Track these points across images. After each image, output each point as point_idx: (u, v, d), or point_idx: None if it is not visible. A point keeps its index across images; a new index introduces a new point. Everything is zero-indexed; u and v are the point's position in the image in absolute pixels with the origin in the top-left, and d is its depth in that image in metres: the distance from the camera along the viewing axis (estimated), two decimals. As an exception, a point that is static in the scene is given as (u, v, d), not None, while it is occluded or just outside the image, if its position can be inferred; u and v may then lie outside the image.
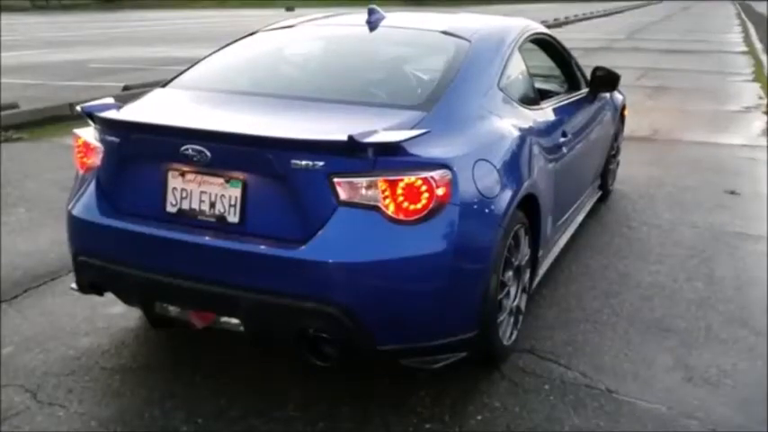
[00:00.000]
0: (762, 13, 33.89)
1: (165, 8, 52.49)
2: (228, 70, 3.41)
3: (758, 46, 17.59)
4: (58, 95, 9.39)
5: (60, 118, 8.26)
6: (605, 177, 5.06)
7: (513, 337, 2.99)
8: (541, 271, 3.43)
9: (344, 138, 2.27)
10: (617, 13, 37.21)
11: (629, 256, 4.16)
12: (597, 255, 4.19)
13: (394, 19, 3.66)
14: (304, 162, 2.34)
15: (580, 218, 4.37)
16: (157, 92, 3.19)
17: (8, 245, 4.29)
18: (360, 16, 3.65)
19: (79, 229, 2.81)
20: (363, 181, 2.35)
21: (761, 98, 9.82)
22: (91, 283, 2.87)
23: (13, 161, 6.34)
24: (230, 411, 2.62)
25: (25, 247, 4.27)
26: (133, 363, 2.97)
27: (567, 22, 28.31)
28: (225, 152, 2.45)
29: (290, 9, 47.98)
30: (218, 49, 3.54)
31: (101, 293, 2.97)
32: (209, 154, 2.43)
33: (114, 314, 3.37)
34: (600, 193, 5.00)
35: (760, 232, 4.56)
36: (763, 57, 14.96)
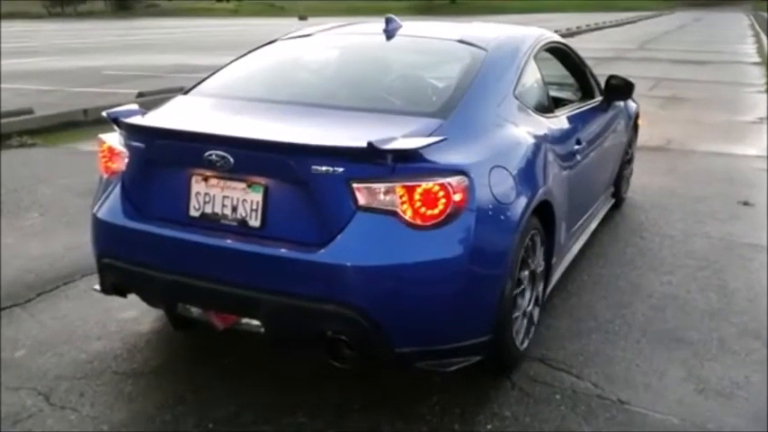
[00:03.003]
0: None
1: (179, 17, 52.96)
2: (249, 78, 3.44)
3: (772, 57, 17.52)
4: (72, 101, 9.48)
5: (74, 124, 8.34)
6: (618, 185, 5.06)
7: (526, 343, 3.01)
8: (555, 278, 3.44)
9: (364, 144, 2.32)
10: (629, 23, 37.16)
11: (642, 267, 4.14)
12: (609, 264, 4.17)
13: (410, 28, 3.73)
14: (324, 168, 2.38)
15: (593, 225, 4.39)
16: (179, 99, 3.27)
17: (22, 249, 4.33)
18: (377, 25, 3.71)
19: (104, 232, 2.86)
20: (382, 186, 2.38)
21: (775, 109, 9.78)
22: (114, 285, 2.92)
23: (27, 166, 6.40)
24: (241, 417, 2.63)
25: (39, 251, 4.30)
26: (145, 367, 2.98)
27: (578, 32, 28.29)
28: (247, 158, 2.49)
29: (303, 18, 48.32)
30: (238, 58, 3.58)
31: (123, 295, 3.01)
32: (231, 160, 2.48)
33: (127, 318, 3.39)
34: (613, 201, 5.01)
35: (774, 244, 4.53)
36: (776, 68, 14.90)
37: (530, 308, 3.02)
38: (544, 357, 3.07)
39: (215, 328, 2.74)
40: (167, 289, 2.71)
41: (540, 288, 3.13)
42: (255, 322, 2.62)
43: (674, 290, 3.81)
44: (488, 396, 2.78)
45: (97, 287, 2.98)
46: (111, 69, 14.33)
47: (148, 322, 3.36)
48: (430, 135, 2.53)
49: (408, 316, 2.46)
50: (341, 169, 2.37)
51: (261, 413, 2.65)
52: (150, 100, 9.54)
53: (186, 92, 3.32)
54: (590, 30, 30.64)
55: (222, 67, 3.50)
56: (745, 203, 5.34)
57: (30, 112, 8.27)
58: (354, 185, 2.38)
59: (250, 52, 3.66)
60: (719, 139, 7.77)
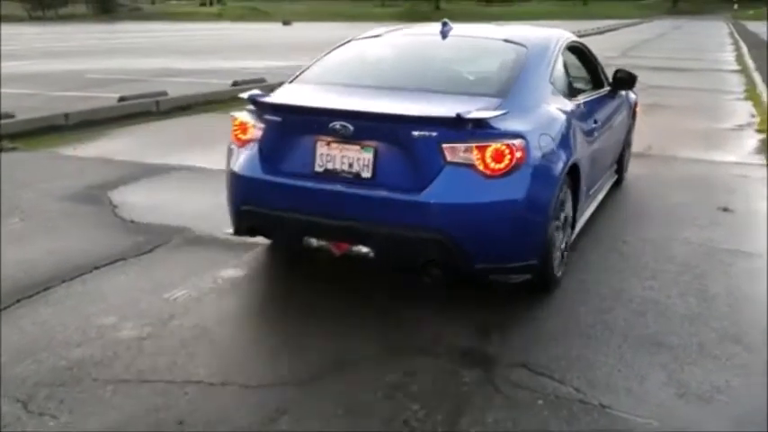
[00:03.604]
0: (755, 32, 34.22)
1: (162, 20, 52.64)
2: (339, 69, 4.30)
3: (751, 65, 17.73)
4: (54, 105, 9.39)
5: (55, 128, 8.27)
6: (621, 164, 5.91)
7: (560, 273, 3.86)
8: (577, 228, 4.24)
9: (453, 115, 3.19)
10: (610, 30, 37.50)
11: (623, 271, 4.17)
12: (591, 270, 4.20)
13: (460, 30, 4.57)
14: (422, 133, 3.25)
15: (600, 196, 5.10)
16: (287, 86, 4.10)
17: (2, 254, 4.27)
18: (431, 28, 4.64)
19: (243, 186, 3.69)
20: (463, 146, 3.24)
21: (753, 116, 9.89)
22: (249, 227, 3.78)
23: (8, 170, 6.33)
24: (219, 425, 2.61)
25: (19, 256, 4.25)
26: (125, 374, 2.95)
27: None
28: (362, 126, 3.34)
29: (287, 23, 48.32)
30: (324, 55, 4.46)
31: (255, 236, 3.93)
32: (351, 128, 3.32)
33: (107, 324, 3.36)
34: (616, 177, 5.82)
35: (753, 249, 4.58)
36: (755, 75, 15.08)
37: (562, 246, 3.86)
38: (527, 362, 3.08)
39: (332, 254, 3.54)
40: (296, 226, 3.55)
41: (569, 232, 3.98)
42: (365, 249, 3.43)
43: (654, 295, 3.84)
44: (471, 401, 2.79)
45: (229, 231, 3.87)
46: (94, 73, 14.21)
47: (128, 328, 3.33)
48: (495, 109, 3.37)
49: (483, 241, 3.33)
50: (434, 134, 3.24)
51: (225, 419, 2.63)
52: (135, 103, 9.53)
53: (291, 81, 4.15)
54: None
55: (313, 63, 4.35)
56: (725, 209, 5.39)
57: (11, 116, 8.18)
58: (444, 146, 3.24)
59: (332, 50, 4.51)
60: (700, 146, 7.86)
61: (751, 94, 12.30)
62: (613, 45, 25.70)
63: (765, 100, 11.22)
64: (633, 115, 6.19)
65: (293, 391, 2.84)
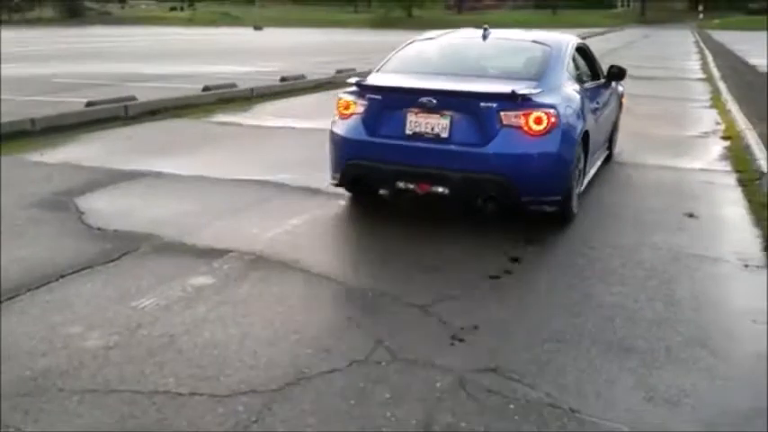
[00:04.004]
0: (720, 42, 34.95)
1: (132, 25, 52.09)
2: (412, 62, 5.67)
3: (716, 73, 18.10)
4: (21, 111, 9.21)
5: (22, 133, 8.11)
6: (611, 143, 7.24)
7: (575, 210, 5.22)
8: (585, 182, 5.57)
9: (509, 91, 4.60)
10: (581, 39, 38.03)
11: (592, 277, 4.22)
12: (561, 275, 4.25)
13: (497, 34, 5.95)
14: (486, 104, 4.63)
15: (598, 164, 6.43)
16: (374, 74, 5.38)
17: (-36, 262, 4.17)
18: (472, 32, 6.04)
19: (349, 145, 4.99)
20: (514, 114, 4.62)
21: (718, 124, 10.10)
22: (354, 177, 5.07)
23: (-29, 176, 6.19)
24: (192, 433, 2.58)
25: (-18, 264, 4.15)
26: (91, 384, 2.90)
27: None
28: (443, 101, 4.69)
29: (258, 28, 48.13)
30: (395, 52, 5.76)
31: (356, 185, 5.22)
32: (435, 101, 4.67)
33: (73, 334, 3.31)
34: (607, 153, 7.12)
35: (717, 254, 4.67)
36: (720, 84, 15.40)
37: (577, 191, 5.23)
38: (498, 367, 3.10)
39: (417, 193, 4.87)
40: (391, 174, 4.86)
41: (581, 181, 5.38)
42: (441, 189, 4.74)
43: (623, 300, 3.89)
44: (442, 406, 2.79)
45: (334, 181, 5.15)
46: (62, 77, 13.99)
47: (95, 338, 3.28)
48: (534, 89, 4.74)
49: (527, 181, 4.66)
50: (494, 105, 4.63)
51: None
52: (103, 108, 9.40)
53: (377, 70, 5.49)
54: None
55: (389, 58, 5.66)
56: (691, 215, 5.49)
57: (-25, 120, 8.01)
58: (501, 113, 4.61)
59: (400, 49, 5.82)
60: (667, 153, 7.99)
61: (716, 102, 12.56)
62: (583, 53, 25.92)
63: (730, 108, 11.46)
64: (620, 104, 7.66)
65: (264, 398, 2.82)
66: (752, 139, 8.38)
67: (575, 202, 5.18)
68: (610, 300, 3.88)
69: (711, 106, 12.08)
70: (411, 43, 5.94)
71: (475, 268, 4.27)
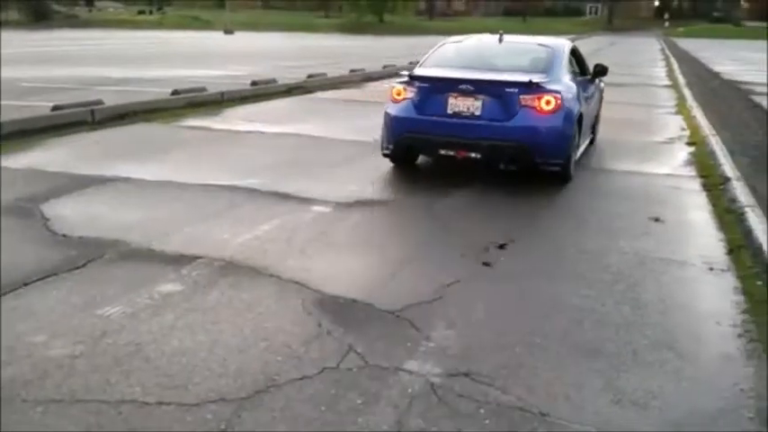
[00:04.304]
0: (686, 49, 35.66)
1: (100, 28, 51.40)
2: (446, 59, 7.14)
3: (681, 80, 18.45)
4: (-16, 114, 8.99)
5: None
6: (594, 129, 8.67)
7: (572, 173, 6.69)
8: (579, 152, 7.09)
9: (527, 80, 6.04)
10: (550, 45, 38.42)
11: (561, 280, 4.26)
12: (531, 278, 4.28)
13: (508, 38, 7.43)
14: (510, 90, 6.07)
15: (586, 142, 7.86)
16: (419, 68, 6.81)
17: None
18: (491, 36, 7.58)
19: (402, 123, 6.41)
20: (530, 97, 6.05)
21: (683, 130, 10.29)
22: (405, 146, 6.57)
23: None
24: (159, 442, 2.54)
25: (-58, 272, 4.04)
26: (56, 393, 2.84)
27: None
28: (477, 87, 6.13)
29: (228, 32, 47.84)
30: (432, 51, 7.27)
31: (407, 154, 6.79)
32: (471, 88, 6.12)
33: (37, 343, 3.24)
34: (592, 136, 8.51)
35: (683, 258, 4.74)
36: (685, 90, 15.70)
37: (574, 158, 6.68)
38: (469, 372, 3.11)
39: (456, 159, 6.32)
40: (435, 144, 6.34)
41: (576, 151, 6.81)
42: (474, 154, 6.19)
43: (591, 303, 3.93)
44: (413, 411, 2.79)
45: (387, 151, 6.66)
46: (29, 81, 13.72)
47: (59, 346, 3.21)
48: (543, 79, 6.21)
49: (540, 147, 6.10)
50: (516, 90, 6.08)
51: None
52: (69, 113, 9.24)
53: (420, 65, 6.97)
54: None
55: (428, 55, 7.19)
56: (657, 220, 5.58)
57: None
58: (520, 96, 6.05)
59: (436, 49, 7.35)
60: (633, 159, 8.11)
61: (681, 108, 12.80)
62: (552, 59, 26.21)
63: (695, 114, 11.68)
64: (601, 97, 9.11)
65: (233, 407, 2.79)
66: (716, 144, 8.55)
67: (572, 167, 6.67)
68: (578, 303, 3.92)
69: (677, 112, 12.32)
70: (443, 45, 7.57)
71: (447, 273, 4.29)
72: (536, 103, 6.10)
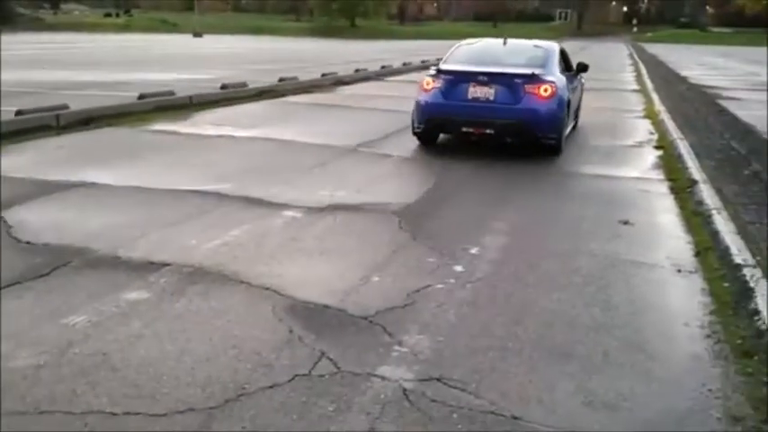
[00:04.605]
0: (653, 54, 36.25)
1: (65, 31, 50.58)
2: (463, 58, 8.69)
3: (649, 85, 18.75)
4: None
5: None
6: (577, 117, 10.27)
7: (563, 146, 8.30)
8: (566, 131, 8.57)
9: (530, 72, 7.82)
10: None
11: (533, 284, 4.28)
12: (503, 282, 4.28)
13: (511, 41, 9.09)
14: (517, 80, 7.80)
15: (572, 124, 9.49)
16: (443, 64, 8.39)
17: None
18: (497, 40, 9.30)
19: (430, 107, 8.07)
20: (532, 86, 7.75)
21: (651, 134, 10.44)
22: (434, 125, 8.27)
23: None
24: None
25: None
26: (20, 405, 2.76)
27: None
28: (491, 78, 7.83)
29: (197, 35, 47.48)
30: (451, 51, 8.90)
31: (433, 132, 8.51)
32: (486, 79, 7.84)
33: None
34: (575, 122, 10.12)
35: (652, 260, 4.80)
36: (653, 95, 15.95)
37: (564, 135, 8.30)
38: (441, 376, 3.10)
39: (473, 136, 8.08)
40: (458, 123, 8.00)
41: (565, 130, 8.37)
42: (489, 131, 7.85)
43: (562, 306, 3.95)
44: (385, 416, 2.77)
45: (417, 130, 8.31)
46: (-10, 85, 13.40)
47: (24, 357, 3.13)
48: (542, 72, 7.92)
49: (540, 125, 7.77)
50: (521, 80, 7.79)
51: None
52: (33, 117, 9.04)
53: (444, 62, 8.56)
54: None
55: (450, 54, 8.81)
56: (626, 223, 5.64)
57: None
58: (525, 85, 7.74)
59: (454, 50, 8.99)
60: (603, 163, 8.21)
61: (649, 112, 12.99)
62: (521, 64, 26.44)
63: (663, 118, 11.87)
64: (582, 90, 10.80)
65: (202, 417, 2.74)
66: (683, 148, 8.69)
67: (563, 142, 8.37)
68: (550, 306, 3.94)
69: (645, 116, 12.50)
70: (459, 47, 9.27)
71: (419, 278, 4.28)
72: (537, 91, 7.74)
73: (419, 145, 8.63)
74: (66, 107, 9.77)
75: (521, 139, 7.97)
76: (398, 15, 79.04)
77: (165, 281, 4.09)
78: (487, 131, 7.85)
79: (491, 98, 7.77)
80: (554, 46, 9.07)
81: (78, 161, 7.31)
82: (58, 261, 4.33)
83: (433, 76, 8.16)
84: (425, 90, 8.14)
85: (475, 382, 3.07)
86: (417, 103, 8.26)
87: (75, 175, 6.53)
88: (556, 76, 8.10)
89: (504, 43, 9.03)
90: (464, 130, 8.03)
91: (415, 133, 8.46)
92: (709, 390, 3.10)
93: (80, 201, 5.84)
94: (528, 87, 7.70)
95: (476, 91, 7.83)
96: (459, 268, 4.48)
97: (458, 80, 7.97)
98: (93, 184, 6.28)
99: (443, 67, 8.31)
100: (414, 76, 19.87)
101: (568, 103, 8.37)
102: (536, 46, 9.11)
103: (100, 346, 3.27)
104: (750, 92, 15.87)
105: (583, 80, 10.54)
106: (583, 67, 9.78)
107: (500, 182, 7.10)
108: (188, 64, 21.38)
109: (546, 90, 7.71)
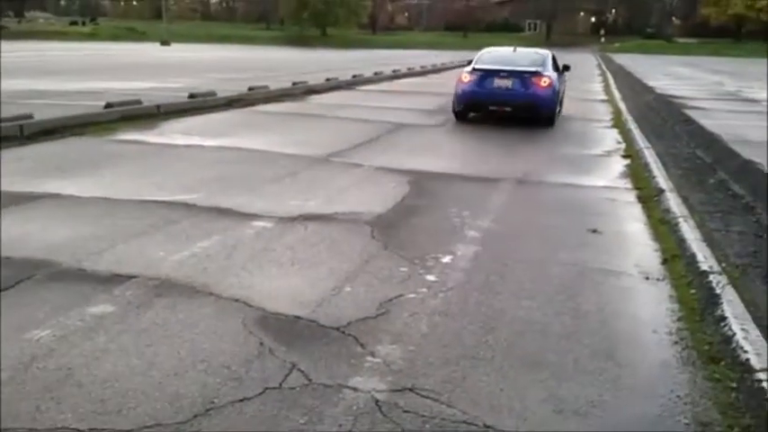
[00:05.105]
0: (621, 64, 36.86)
1: (30, 39, 49.75)
2: (488, 59, 12.86)
3: (617, 95, 19.06)
4: None
5: None
6: (561, 103, 13.39)
7: (556, 122, 12.53)
8: (557, 110, 12.78)
9: (536, 70, 12.24)
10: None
11: (504, 293, 4.29)
12: (474, 292, 4.29)
13: (519, 50, 13.47)
14: (527, 75, 12.08)
15: (558, 109, 12.85)
16: (474, 64, 12.60)
17: None
18: (509, 48, 13.63)
19: (467, 93, 12.34)
20: (537, 79, 12.02)
21: (619, 143, 10.60)
22: (469, 106, 12.56)
23: None
24: None
25: None
26: (-21, 424, 2.68)
27: (443, 69, 29.40)
28: (509, 74, 12.12)
29: (165, 43, 47.10)
30: (479, 55, 13.11)
31: (468, 111, 12.67)
32: (506, 74, 12.13)
33: (-42, 370, 3.05)
34: (560, 108, 13.10)
35: (621, 268, 4.85)
36: (620, 105, 16.21)
37: (557, 113, 12.71)
38: (414, 386, 3.09)
39: (496, 113, 12.39)
40: (487, 103, 12.45)
41: (557, 110, 12.75)
42: (509, 109, 12.22)
43: (533, 314, 3.97)
44: (358, 429, 2.75)
45: (459, 109, 12.61)
46: (-50, 94, 13.11)
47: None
48: (543, 70, 12.30)
49: (542, 106, 12.03)
50: (529, 75, 12.08)
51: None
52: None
53: (475, 62, 12.68)
54: (453, 67, 31.91)
55: (478, 57, 12.98)
56: (594, 231, 5.70)
57: None
58: (532, 78, 12.03)
59: (481, 54, 13.15)
60: (571, 172, 8.30)
61: (617, 122, 13.20)
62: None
63: (630, 128, 12.07)
64: (565, 84, 14.05)
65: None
66: (650, 157, 8.83)
67: (556, 118, 12.32)
68: (520, 314, 3.96)
69: (613, 126, 12.70)
70: (483, 53, 13.12)
71: (390, 288, 4.27)
72: (540, 82, 11.75)
73: (390, 155, 8.63)
74: (30, 117, 9.58)
75: (529, 114, 11.90)
76: (370, 25, 79.34)
77: (131, 293, 4.02)
78: (507, 109, 12.05)
79: (509, 87, 11.84)
80: (548, 53, 13.18)
81: (42, 172, 7.16)
82: (22, 274, 4.22)
83: (468, 72, 12.26)
84: (463, 82, 12.25)
85: (447, 391, 3.07)
86: (457, 91, 12.40)
87: (39, 187, 6.40)
88: (551, 73, 12.14)
89: (514, 50, 13.19)
90: (491, 108, 12.22)
91: (454, 112, 12.62)
92: (678, 396, 3.14)
93: (44, 212, 5.72)
94: (534, 80, 11.77)
95: (499, 82, 11.90)
96: (431, 277, 4.47)
97: (486, 75, 12.02)
98: (58, 196, 6.16)
99: (476, 66, 12.39)
100: (384, 85, 19.96)
101: (558, 92, 12.56)
102: (536, 53, 13.24)
103: (65, 361, 3.20)
104: (715, 101, 16.21)
105: (566, 77, 14.26)
106: (566, 68, 13.73)
107: (473, 191, 7.13)
108: (155, 72, 21.16)
109: (545, 82, 11.77)
